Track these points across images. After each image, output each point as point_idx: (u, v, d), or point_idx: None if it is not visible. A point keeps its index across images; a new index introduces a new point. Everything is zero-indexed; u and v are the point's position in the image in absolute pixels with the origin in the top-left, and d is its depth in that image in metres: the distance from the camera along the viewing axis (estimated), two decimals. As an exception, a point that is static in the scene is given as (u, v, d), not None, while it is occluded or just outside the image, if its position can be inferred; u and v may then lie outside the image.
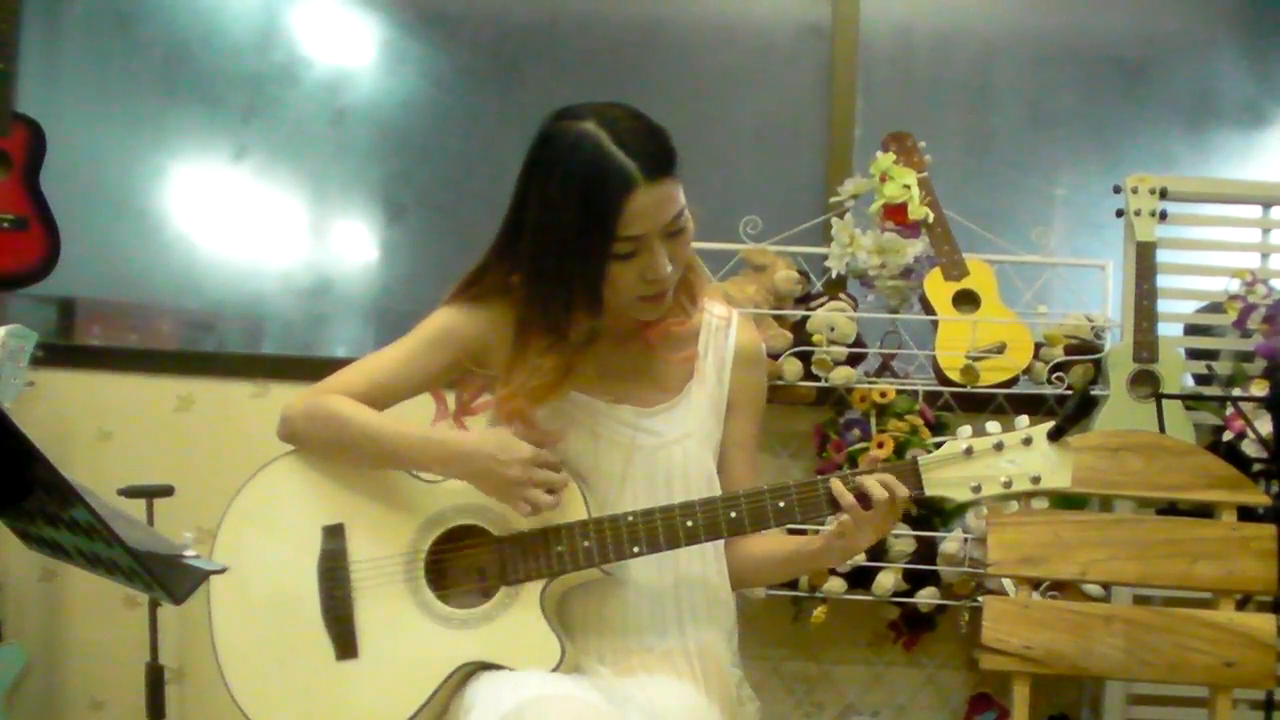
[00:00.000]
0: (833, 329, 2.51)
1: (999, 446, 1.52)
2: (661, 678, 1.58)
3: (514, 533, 1.58)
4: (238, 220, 3.07)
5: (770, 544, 1.70)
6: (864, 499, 1.51)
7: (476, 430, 1.60)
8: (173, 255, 3.07)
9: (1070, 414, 1.51)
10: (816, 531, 1.75)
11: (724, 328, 1.72)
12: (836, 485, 1.52)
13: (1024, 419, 1.55)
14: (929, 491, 1.53)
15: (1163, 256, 2.52)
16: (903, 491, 1.51)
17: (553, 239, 1.52)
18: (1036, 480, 1.52)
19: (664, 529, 1.54)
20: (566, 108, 1.56)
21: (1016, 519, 2.03)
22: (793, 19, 3.01)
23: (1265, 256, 2.64)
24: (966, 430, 1.55)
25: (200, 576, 1.12)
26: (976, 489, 1.52)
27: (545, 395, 1.57)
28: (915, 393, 2.54)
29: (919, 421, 2.48)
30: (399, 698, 1.56)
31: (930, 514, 2.50)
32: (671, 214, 1.52)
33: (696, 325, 1.70)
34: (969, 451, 1.53)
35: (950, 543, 2.45)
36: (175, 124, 3.08)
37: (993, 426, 1.55)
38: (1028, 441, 1.52)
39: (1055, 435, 1.52)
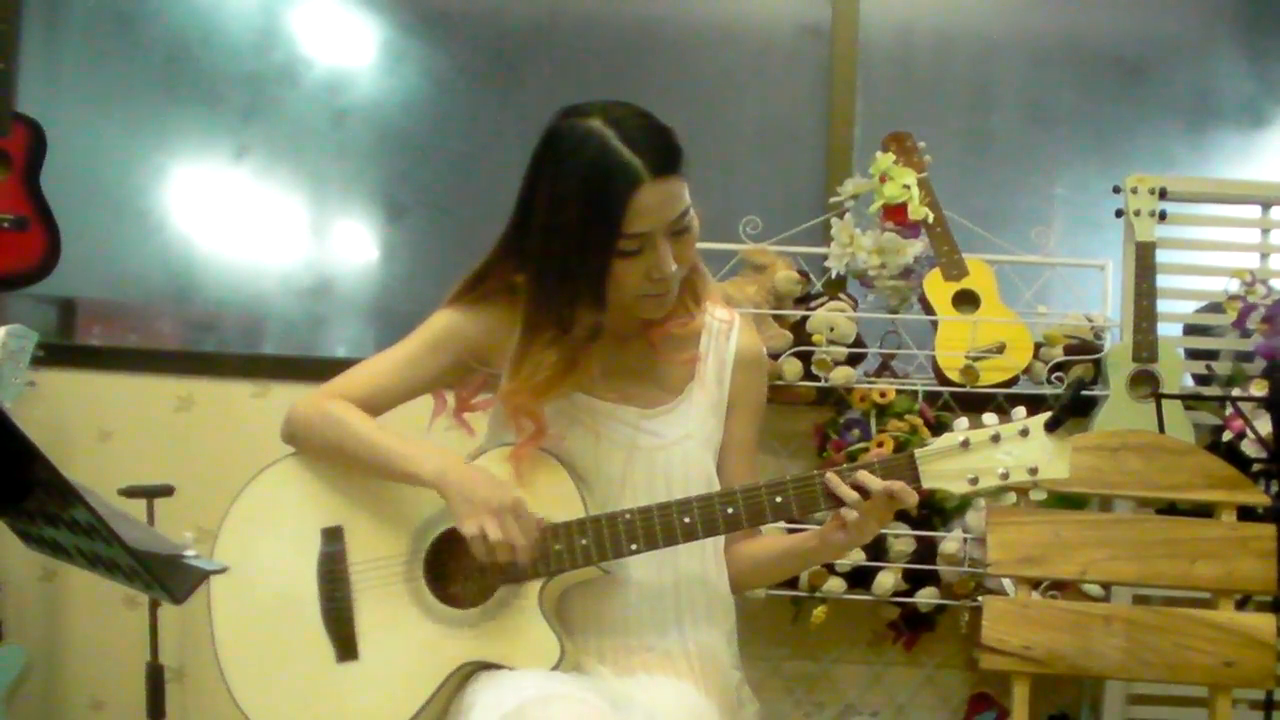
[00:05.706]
0: (833, 329, 2.51)
1: (995, 438, 1.52)
2: (661, 678, 1.58)
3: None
4: (238, 220, 3.07)
5: (766, 542, 1.71)
6: (861, 491, 1.51)
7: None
8: (173, 255, 3.07)
9: (1065, 404, 1.50)
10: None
11: (726, 331, 1.72)
12: (832, 479, 1.52)
13: (1020, 410, 1.54)
14: (926, 484, 1.51)
15: (1162, 256, 2.52)
16: (900, 488, 1.50)
17: (559, 235, 1.52)
18: (1034, 471, 1.51)
19: (661, 526, 1.54)
20: (573, 106, 1.56)
21: (1016, 519, 2.03)
22: (792, 19, 3.01)
23: (1265, 256, 2.63)
24: (963, 423, 1.54)
25: (200, 576, 1.12)
26: (973, 481, 1.51)
27: (549, 390, 1.57)
28: (915, 393, 2.54)
29: (919, 421, 2.48)
30: (399, 699, 1.56)
31: (930, 514, 2.50)
32: (677, 211, 1.52)
33: (699, 328, 1.70)
34: (965, 444, 1.52)
35: (950, 543, 2.45)
36: (175, 124, 3.07)
37: (989, 419, 1.54)
38: (1024, 433, 1.51)
39: (1052, 426, 1.51)
